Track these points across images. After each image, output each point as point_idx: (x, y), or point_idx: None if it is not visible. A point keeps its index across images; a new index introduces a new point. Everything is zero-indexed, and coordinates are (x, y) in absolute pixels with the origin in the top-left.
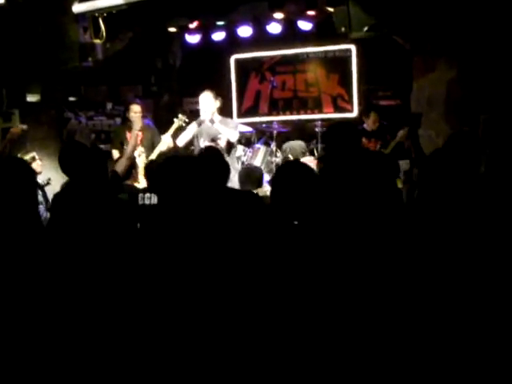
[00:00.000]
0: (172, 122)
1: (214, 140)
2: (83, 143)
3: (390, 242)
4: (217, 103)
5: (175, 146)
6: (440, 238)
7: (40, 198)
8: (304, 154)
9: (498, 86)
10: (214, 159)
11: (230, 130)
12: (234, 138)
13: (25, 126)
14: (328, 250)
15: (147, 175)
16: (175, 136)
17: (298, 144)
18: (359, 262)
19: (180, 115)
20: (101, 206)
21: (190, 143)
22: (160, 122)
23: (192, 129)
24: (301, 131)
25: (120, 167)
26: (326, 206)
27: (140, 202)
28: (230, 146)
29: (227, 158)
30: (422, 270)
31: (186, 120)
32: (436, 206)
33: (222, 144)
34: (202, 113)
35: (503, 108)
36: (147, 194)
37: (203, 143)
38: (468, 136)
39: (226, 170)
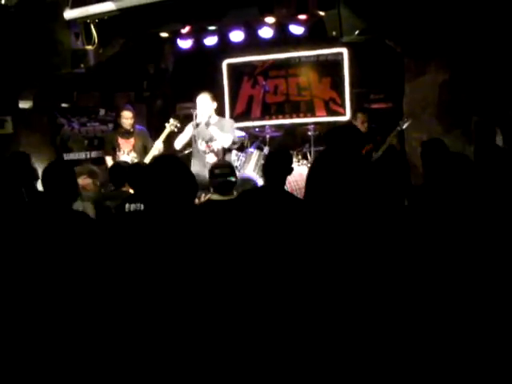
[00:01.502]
0: (165, 128)
1: (209, 142)
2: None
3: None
4: (214, 104)
5: (167, 151)
6: (433, 238)
7: None
8: None
9: (489, 88)
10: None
11: (223, 134)
12: (226, 144)
13: None
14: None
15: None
16: (167, 140)
17: None
18: (352, 264)
19: (171, 120)
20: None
21: (188, 145)
22: (153, 127)
23: (189, 131)
24: (293, 135)
25: None
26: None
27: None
28: (226, 149)
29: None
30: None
31: (178, 125)
32: (429, 209)
33: (217, 146)
34: (198, 115)
35: (494, 109)
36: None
37: (200, 145)
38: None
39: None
